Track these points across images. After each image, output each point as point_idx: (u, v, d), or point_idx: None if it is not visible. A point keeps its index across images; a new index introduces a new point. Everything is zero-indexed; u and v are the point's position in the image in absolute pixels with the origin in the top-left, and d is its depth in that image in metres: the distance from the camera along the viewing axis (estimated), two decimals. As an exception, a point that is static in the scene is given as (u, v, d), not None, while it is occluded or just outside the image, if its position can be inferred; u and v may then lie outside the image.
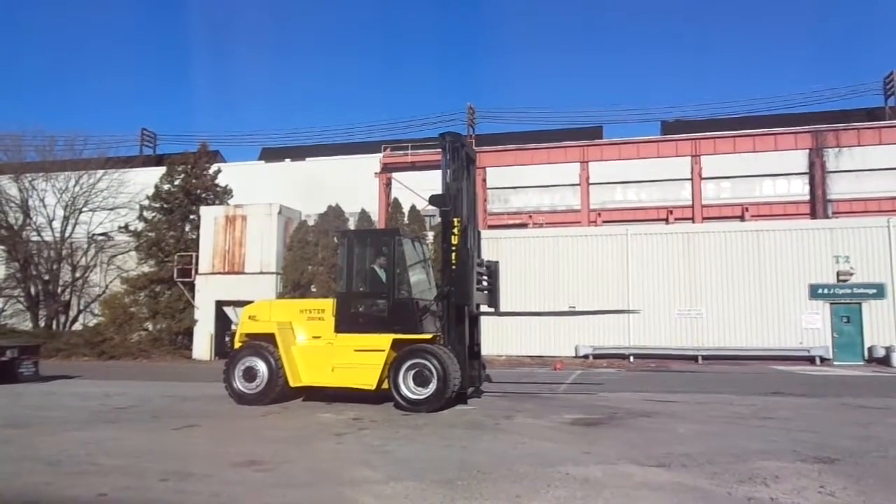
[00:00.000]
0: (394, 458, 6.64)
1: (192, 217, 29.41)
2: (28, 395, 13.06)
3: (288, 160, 39.69)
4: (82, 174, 32.24)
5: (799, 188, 30.66)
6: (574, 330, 25.06)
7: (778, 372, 19.87)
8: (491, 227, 30.03)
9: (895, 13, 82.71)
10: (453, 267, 10.62)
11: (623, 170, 31.95)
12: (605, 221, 30.95)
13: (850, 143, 29.92)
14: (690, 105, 79.92)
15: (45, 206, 32.13)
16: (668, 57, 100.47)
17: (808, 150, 30.36)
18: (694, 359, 23.64)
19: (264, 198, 28.79)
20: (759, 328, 23.77)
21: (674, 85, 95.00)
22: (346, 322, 10.78)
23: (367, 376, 10.41)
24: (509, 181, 33.05)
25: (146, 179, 31.16)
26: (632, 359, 24.12)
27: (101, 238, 32.83)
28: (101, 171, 32.54)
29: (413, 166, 33.35)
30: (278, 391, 10.90)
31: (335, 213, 28.58)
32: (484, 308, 11.58)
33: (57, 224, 31.79)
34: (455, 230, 10.68)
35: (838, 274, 23.36)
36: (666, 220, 30.48)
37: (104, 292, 31.48)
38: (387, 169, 34.44)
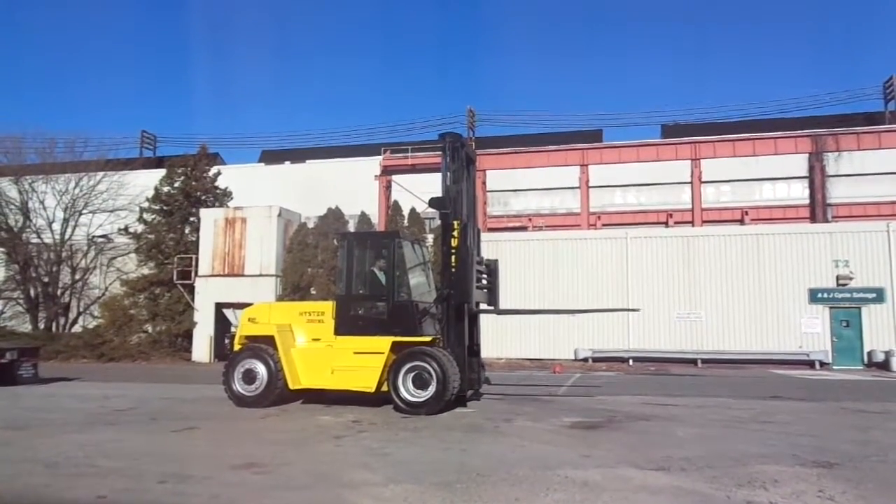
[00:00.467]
0: (393, 461, 6.64)
1: (191, 219, 29.41)
2: (27, 397, 13.05)
3: (288, 162, 39.71)
4: (82, 176, 32.22)
5: (799, 192, 30.68)
6: (573, 333, 25.07)
7: (777, 376, 19.86)
8: (491, 229, 30.04)
9: (895, 18, 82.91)
10: (453, 269, 10.63)
11: (623, 173, 31.98)
12: (604, 225, 30.95)
13: (849, 148, 29.95)
14: (690, 108, 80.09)
15: (44, 208, 32.12)
16: (669, 60, 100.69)
17: (807, 154, 30.39)
18: (693, 362, 23.64)
19: (264, 200, 28.79)
20: (759, 332, 23.77)
21: (674, 88, 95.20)
22: (346, 324, 10.78)
23: (366, 379, 10.41)
24: (509, 184, 33.06)
25: (146, 181, 31.17)
26: (631, 362, 24.11)
27: (100, 240, 32.81)
28: (100, 174, 32.52)
29: (413, 169, 33.38)
30: (277, 393, 10.90)
31: (335, 216, 28.59)
32: (484, 306, 11.60)
33: (57, 226, 31.78)
34: (455, 233, 10.69)
35: (838, 278, 23.36)
36: (666, 224, 30.49)
37: (104, 294, 31.46)
38: (387, 171, 34.47)
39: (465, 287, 10.55)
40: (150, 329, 28.52)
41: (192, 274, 27.55)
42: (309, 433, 8.48)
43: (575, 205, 32.45)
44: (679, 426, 8.95)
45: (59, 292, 31.46)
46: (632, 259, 25.27)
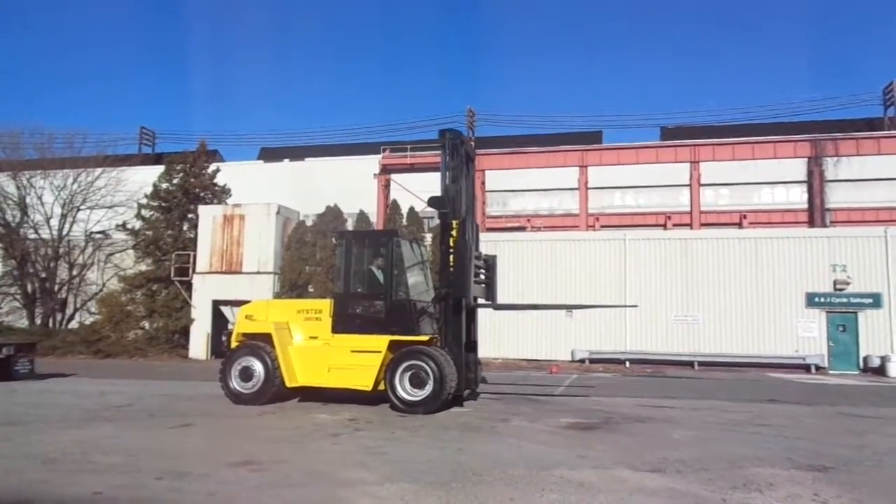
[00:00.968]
0: (389, 460, 6.65)
1: (190, 216, 29.37)
2: (24, 392, 13.04)
3: (287, 160, 39.65)
4: (80, 172, 32.15)
5: (797, 196, 30.71)
6: (570, 334, 25.11)
7: (773, 379, 19.89)
8: (489, 229, 30.04)
9: (895, 23, 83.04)
10: (451, 268, 10.64)
11: (622, 175, 31.99)
12: (603, 226, 30.96)
13: (848, 153, 29.98)
14: (690, 111, 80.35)
15: (42, 203, 32.05)
16: (669, 63, 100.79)
17: (806, 159, 30.42)
18: (690, 365, 23.66)
19: (262, 198, 28.76)
20: (756, 335, 23.80)
21: (674, 91, 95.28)
22: (344, 323, 10.79)
23: (363, 377, 10.43)
24: (508, 184, 33.06)
25: (144, 178, 31.11)
26: (628, 364, 24.14)
27: (98, 236, 32.76)
28: (99, 169, 32.45)
29: (412, 168, 33.37)
30: (274, 391, 10.91)
31: (333, 214, 28.57)
32: (482, 301, 11.62)
33: (54, 222, 31.71)
34: (453, 232, 10.70)
35: (835, 283, 23.41)
36: (664, 226, 30.50)
37: (101, 290, 31.41)
38: (386, 170, 34.46)
39: (463, 281, 10.57)
40: (147, 326, 28.49)
41: (190, 271, 27.53)
42: (305, 431, 8.48)
43: (574, 206, 32.46)
44: (675, 428, 8.97)
45: (56, 288, 31.42)
46: (630, 261, 25.30)
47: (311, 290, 26.13)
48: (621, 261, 25.36)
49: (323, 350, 10.84)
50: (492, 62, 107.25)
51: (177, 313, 27.80)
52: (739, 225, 29.66)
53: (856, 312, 23.30)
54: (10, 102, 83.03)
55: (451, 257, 10.67)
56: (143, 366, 23.37)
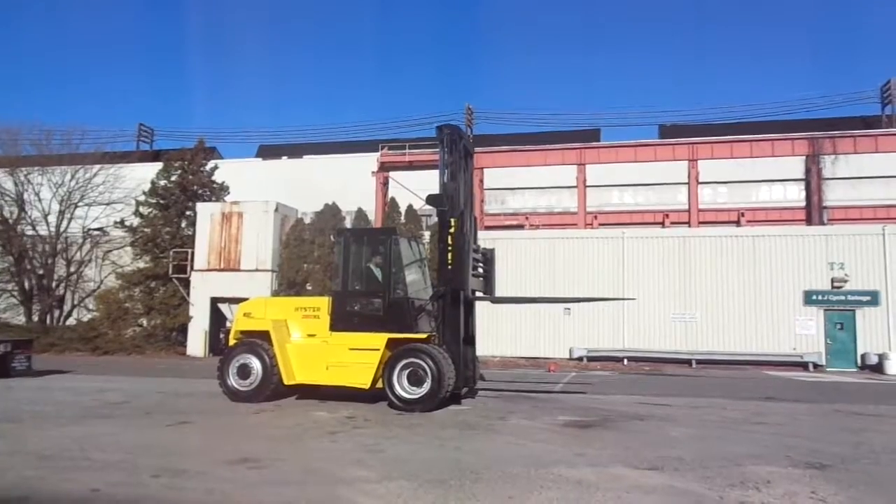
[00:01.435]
0: (387, 458, 6.65)
1: (188, 213, 29.34)
2: (20, 389, 13.02)
3: (285, 158, 39.62)
4: (78, 169, 32.08)
5: (795, 194, 30.74)
6: (568, 332, 25.12)
7: (771, 377, 19.92)
8: (487, 227, 30.02)
9: (893, 22, 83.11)
10: (449, 263, 10.62)
11: (620, 173, 31.98)
12: (601, 224, 30.96)
13: (846, 151, 30.00)
14: (688, 109, 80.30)
15: (40, 200, 31.99)
16: (667, 61, 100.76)
17: (804, 157, 30.43)
18: (688, 363, 23.69)
19: (261, 195, 28.73)
20: (753, 333, 23.83)
21: (672, 89, 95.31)
22: (342, 320, 10.79)
23: (361, 375, 10.42)
24: (506, 182, 33.04)
25: (142, 175, 31.07)
26: (626, 362, 24.16)
27: (96, 233, 32.71)
28: (97, 166, 32.38)
29: (410, 166, 33.34)
30: (272, 389, 10.90)
31: (332, 212, 28.54)
32: (480, 294, 11.62)
33: (52, 218, 31.63)
34: (452, 230, 10.69)
35: (833, 280, 23.43)
36: (662, 224, 30.52)
37: (99, 287, 31.38)
38: (384, 168, 34.43)
39: (462, 274, 10.57)
40: (144, 323, 28.47)
41: (188, 268, 27.50)
42: (303, 429, 8.48)
43: (572, 204, 32.45)
44: (673, 426, 8.98)
45: (53, 285, 31.38)
46: (628, 259, 25.31)
47: (309, 287, 26.12)
48: (619, 259, 25.37)
49: (321, 348, 10.83)
50: (490, 60, 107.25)
51: (175, 310, 27.78)
52: (737, 223, 29.68)
53: (853, 310, 23.33)
54: (9, 99, 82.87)
55: (450, 251, 10.65)
56: (141, 363, 23.34)
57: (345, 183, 32.22)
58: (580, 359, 24.49)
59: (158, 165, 31.38)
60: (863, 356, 22.97)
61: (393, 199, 30.57)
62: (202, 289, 27.04)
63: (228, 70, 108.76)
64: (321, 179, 32.70)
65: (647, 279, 24.71)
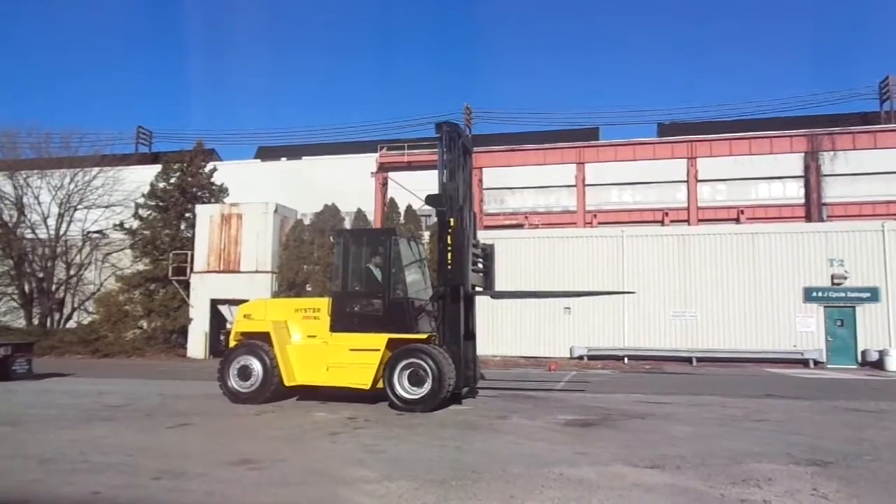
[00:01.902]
0: (388, 458, 6.64)
1: (187, 215, 29.34)
2: (21, 392, 13.01)
3: (284, 159, 39.63)
4: (77, 171, 32.09)
5: (794, 191, 30.75)
6: (569, 331, 25.13)
7: (771, 374, 19.92)
8: (487, 227, 30.01)
9: (891, 18, 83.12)
10: (449, 266, 10.62)
11: (619, 171, 31.98)
12: (600, 223, 30.96)
13: (845, 147, 30.00)
14: (687, 107, 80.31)
15: (39, 203, 31.99)
16: (666, 59, 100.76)
17: (803, 154, 30.44)
18: (688, 360, 23.69)
19: (260, 196, 28.73)
20: (754, 331, 23.84)
21: (670, 87, 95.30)
22: (342, 321, 10.78)
23: (361, 376, 10.42)
24: (505, 182, 33.05)
25: (141, 177, 31.07)
26: (626, 360, 24.16)
27: (95, 236, 32.70)
28: (96, 169, 32.38)
29: (409, 166, 33.33)
30: (273, 390, 10.90)
31: (331, 213, 28.53)
32: (480, 289, 11.62)
33: (52, 221, 31.62)
34: (451, 229, 10.68)
35: (832, 277, 23.44)
36: (661, 222, 30.53)
37: (99, 290, 31.37)
38: (383, 168, 34.42)
39: (461, 269, 10.56)
40: (145, 325, 28.47)
41: (188, 270, 27.49)
42: (304, 430, 8.48)
43: (571, 203, 32.45)
44: (673, 424, 8.97)
45: (53, 288, 31.37)
46: (628, 257, 25.31)
47: (309, 288, 26.11)
48: (619, 257, 25.37)
49: (321, 349, 10.82)
50: (489, 59, 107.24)
51: (174, 313, 27.78)
52: (737, 220, 29.68)
53: (853, 307, 23.33)
54: (7, 102, 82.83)
55: (449, 250, 10.64)
56: (141, 365, 23.34)
57: (344, 183, 32.22)
58: (581, 358, 24.50)
59: (157, 168, 31.39)
60: (863, 353, 22.98)
61: (392, 200, 30.57)
62: (202, 291, 27.03)
63: (226, 71, 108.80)
64: (320, 180, 32.70)
65: (647, 277, 24.71)
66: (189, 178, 29.75)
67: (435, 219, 12.05)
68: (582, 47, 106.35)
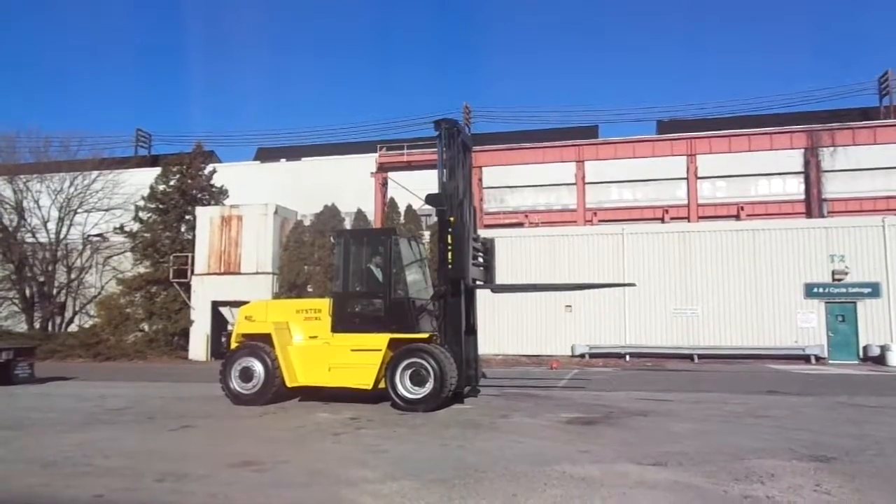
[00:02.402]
0: (391, 458, 6.64)
1: (187, 217, 29.35)
2: (23, 396, 13.01)
3: (283, 160, 39.66)
4: (77, 175, 32.11)
5: (794, 187, 30.75)
6: (570, 329, 25.13)
7: (773, 371, 19.92)
8: (487, 226, 30.03)
9: (890, 14, 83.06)
10: (450, 266, 10.61)
11: (619, 169, 31.99)
12: (601, 221, 30.98)
13: (845, 143, 29.99)
14: (686, 104, 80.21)
15: (39, 207, 32.00)
16: (664, 56, 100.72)
17: (803, 150, 30.44)
18: (689, 358, 23.68)
19: (260, 198, 28.74)
20: (755, 327, 23.84)
21: (670, 84, 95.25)
22: (343, 322, 10.77)
23: (363, 376, 10.41)
24: (505, 181, 33.07)
25: (141, 180, 31.07)
26: (628, 358, 24.16)
27: (96, 239, 32.72)
28: (95, 172, 32.41)
29: (409, 166, 33.34)
30: (275, 391, 10.89)
31: (331, 213, 28.53)
32: (480, 283, 11.62)
33: (52, 225, 31.65)
34: (451, 228, 10.68)
35: (833, 273, 23.43)
36: (662, 220, 30.52)
37: (100, 293, 31.38)
38: (383, 168, 34.43)
39: (462, 262, 10.56)
40: (146, 328, 28.47)
41: (189, 272, 27.51)
42: (306, 431, 8.47)
43: (571, 201, 32.45)
44: (676, 421, 8.97)
45: (54, 292, 31.38)
46: (628, 255, 25.31)
47: (309, 289, 26.12)
48: (619, 255, 25.37)
49: (323, 349, 10.82)
50: (488, 59, 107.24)
51: (176, 315, 27.80)
52: (737, 217, 29.68)
53: (854, 302, 23.33)
54: (6, 106, 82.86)
55: (450, 248, 10.64)
56: (143, 368, 23.34)
57: (344, 184, 32.24)
58: (582, 356, 24.50)
59: (157, 170, 31.40)
60: (864, 348, 22.98)
61: (392, 200, 30.57)
62: (203, 293, 27.05)
63: (225, 74, 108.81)
64: (320, 181, 32.72)
65: (648, 275, 24.70)
66: (189, 181, 29.76)
67: (435, 218, 12.04)
68: (581, 45, 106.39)
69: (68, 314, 31.81)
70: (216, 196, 30.32)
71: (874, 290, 23.14)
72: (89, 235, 32.55)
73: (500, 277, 12.61)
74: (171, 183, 29.69)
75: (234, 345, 11.55)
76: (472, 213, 11.41)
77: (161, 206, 29.42)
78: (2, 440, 7.89)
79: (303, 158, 38.81)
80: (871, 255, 23.32)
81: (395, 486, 5.45)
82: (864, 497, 5.06)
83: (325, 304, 11.20)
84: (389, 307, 10.61)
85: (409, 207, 29.06)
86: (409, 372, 10.09)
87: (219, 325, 26.20)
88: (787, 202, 30.44)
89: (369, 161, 34.79)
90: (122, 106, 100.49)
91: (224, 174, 31.68)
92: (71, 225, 32.13)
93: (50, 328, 30.72)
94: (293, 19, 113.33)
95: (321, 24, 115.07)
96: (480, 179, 32.09)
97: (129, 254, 30.49)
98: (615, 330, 24.95)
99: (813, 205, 29.86)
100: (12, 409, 10.98)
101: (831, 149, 30.05)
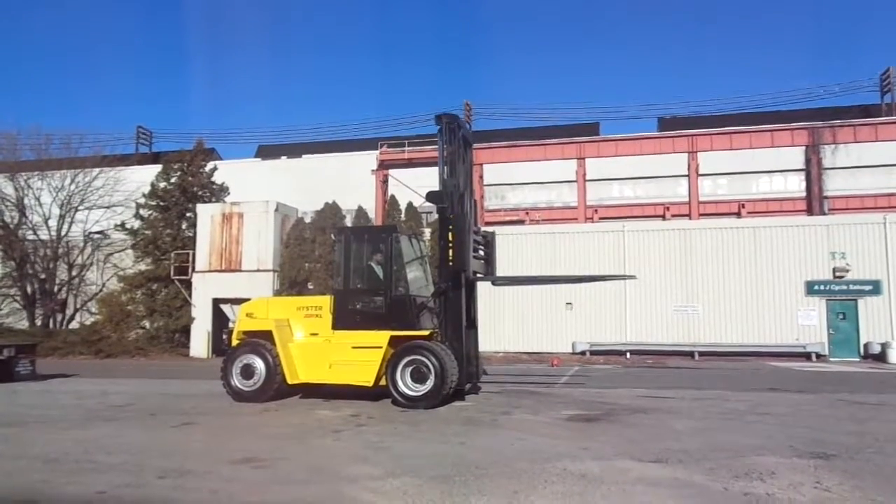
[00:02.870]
0: (391, 455, 6.65)
1: (188, 215, 29.37)
2: (25, 393, 13.04)
3: (284, 157, 39.64)
4: (78, 172, 32.14)
5: (795, 185, 30.71)
6: (571, 327, 25.14)
7: (774, 368, 19.92)
8: (487, 223, 30.01)
9: (891, 10, 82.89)
10: (450, 263, 10.62)
11: (620, 166, 31.96)
12: (601, 218, 30.95)
13: (846, 140, 29.94)
14: (687, 102, 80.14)
15: (40, 204, 32.04)
16: (666, 54, 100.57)
17: (804, 147, 30.39)
18: (690, 355, 23.69)
19: (261, 195, 28.75)
20: (756, 324, 23.83)
21: (671, 82, 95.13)
22: (344, 319, 10.78)
23: (364, 373, 10.43)
24: (506, 178, 33.03)
25: (142, 177, 31.10)
26: (628, 355, 24.17)
27: (97, 236, 32.76)
28: (96, 170, 32.44)
29: (410, 163, 33.31)
30: (276, 388, 10.91)
31: (332, 211, 28.54)
32: (481, 276, 11.64)
33: (53, 222, 31.69)
34: (452, 223, 10.69)
35: (834, 270, 23.42)
36: (663, 217, 30.49)
37: (101, 290, 31.42)
38: (383, 166, 34.41)
39: (463, 254, 10.56)
40: (147, 325, 28.52)
41: (190, 269, 27.54)
42: (308, 427, 8.49)
43: (572, 198, 32.43)
44: (676, 419, 8.98)
45: (55, 289, 31.42)
46: (629, 252, 25.30)
47: (310, 286, 26.15)
48: (620, 252, 25.36)
49: (324, 346, 10.83)
50: (488, 56, 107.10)
51: (177, 312, 27.83)
52: (738, 214, 29.65)
53: (855, 300, 23.32)
54: (7, 103, 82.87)
55: (451, 246, 10.65)
56: (145, 365, 23.38)
57: (345, 181, 32.27)
58: (583, 353, 24.52)
59: (158, 167, 31.42)
60: (865, 345, 22.98)
61: (393, 197, 30.58)
62: (204, 290, 27.08)
63: (226, 71, 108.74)
64: (321, 178, 32.76)
65: (649, 272, 24.67)
66: (190, 178, 29.78)
67: (435, 216, 12.04)
68: (582, 43, 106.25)
69: (69, 311, 31.86)
70: (217, 193, 30.33)
71: (875, 288, 23.13)
72: (90, 233, 32.59)
73: (501, 274, 12.60)
74: (172, 180, 29.72)
75: (235, 342, 11.58)
76: (473, 205, 11.42)
77: (162, 203, 29.44)
78: (3, 437, 7.91)
79: (304, 156, 38.80)
80: (871, 253, 23.30)
81: (396, 482, 5.46)
82: (864, 494, 5.07)
83: (326, 301, 11.22)
84: (390, 304, 10.63)
85: (409, 205, 29.07)
86: (409, 369, 10.10)
87: (220, 322, 26.25)
88: (788, 199, 30.41)
89: (370, 158, 34.77)
90: (124, 103, 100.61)
91: (225, 171, 31.69)
92: (72, 222, 32.18)
93: (51, 325, 30.77)
94: (294, 16, 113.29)
95: (322, 22, 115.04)
96: (481, 177, 32.07)
97: (130, 251, 30.53)
98: (616, 327, 24.96)
99: (814, 202, 29.83)
100: (14, 406, 11.00)
101: (832, 146, 30.00)
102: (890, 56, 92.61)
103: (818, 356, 22.80)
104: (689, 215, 30.48)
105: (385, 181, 33.88)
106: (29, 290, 31.32)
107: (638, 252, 25.23)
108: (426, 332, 10.54)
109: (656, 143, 32.10)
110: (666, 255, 25.03)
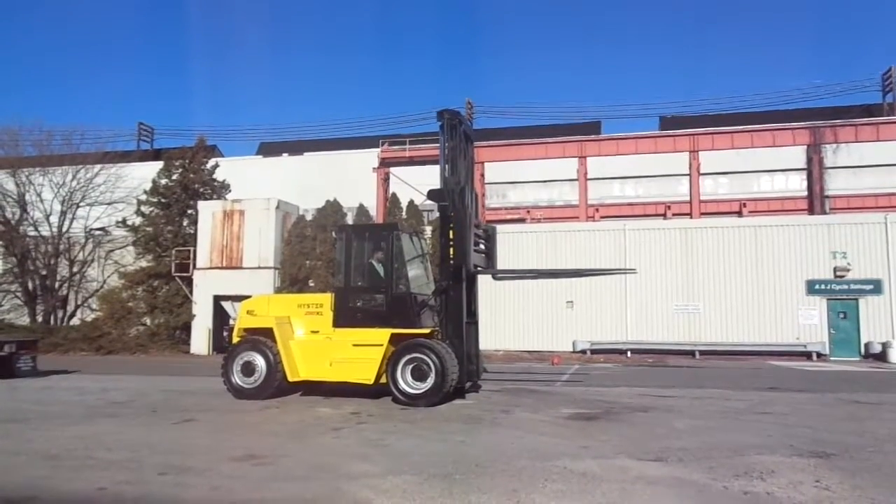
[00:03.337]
0: (392, 452, 6.66)
1: (189, 212, 29.39)
2: (26, 389, 13.05)
3: (286, 155, 39.62)
4: (79, 169, 32.15)
5: (797, 184, 30.68)
6: (571, 325, 25.15)
7: (774, 367, 19.93)
8: (489, 221, 29.99)
9: (893, 10, 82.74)
10: (451, 261, 10.63)
11: (621, 165, 31.94)
12: (602, 217, 30.94)
13: (847, 140, 29.91)
14: (689, 100, 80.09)
15: (42, 200, 32.06)
16: (667, 53, 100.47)
17: (805, 147, 30.35)
18: (691, 354, 23.70)
19: (262, 193, 28.75)
20: (757, 324, 23.83)
21: (672, 81, 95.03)
22: (345, 317, 10.79)
23: (365, 371, 10.44)
24: (507, 176, 32.99)
25: (143, 174, 31.12)
26: (629, 354, 24.17)
27: (98, 233, 32.78)
28: (98, 166, 32.44)
29: (411, 161, 33.29)
30: (276, 386, 10.92)
31: (333, 208, 28.54)
32: (481, 269, 11.65)
33: (54, 219, 31.72)
34: (452, 221, 10.69)
35: (835, 270, 23.41)
36: (664, 216, 30.46)
37: (102, 287, 31.46)
38: (385, 164, 34.40)
39: (463, 248, 10.57)
40: (148, 322, 28.55)
41: (191, 266, 27.56)
42: (308, 425, 8.50)
43: (573, 197, 32.41)
44: (677, 417, 8.98)
45: (57, 285, 31.46)
46: (630, 251, 25.30)
47: (311, 284, 26.15)
48: (621, 251, 25.36)
49: (324, 344, 10.84)
50: (490, 54, 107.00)
51: (178, 309, 27.86)
52: (739, 213, 29.63)
53: (856, 299, 23.32)
54: (9, 100, 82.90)
55: (451, 241, 10.65)
56: (145, 362, 23.41)
57: (346, 179, 32.24)
58: (583, 352, 24.53)
59: (159, 164, 31.42)
60: (866, 345, 22.98)
61: (394, 195, 30.55)
62: (205, 287, 27.10)
63: (228, 68, 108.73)
64: (322, 176, 32.74)
65: (650, 271, 24.69)
66: (191, 175, 29.80)
67: (436, 213, 12.04)
68: (583, 41, 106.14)
69: (70, 308, 31.90)
70: (218, 190, 30.34)
71: (876, 287, 23.13)
72: (91, 229, 32.61)
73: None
74: (174, 177, 29.73)
75: (235, 339, 11.59)
76: (474, 200, 11.43)
77: (163, 200, 29.46)
78: (4, 433, 7.93)
79: (305, 153, 38.78)
80: (872, 252, 23.29)
81: (397, 480, 5.47)
82: (864, 493, 5.08)
83: (326, 298, 11.23)
84: (391, 302, 10.63)
85: (410, 203, 29.06)
86: (410, 367, 10.11)
87: (221, 319, 26.27)
88: (789, 199, 30.38)
89: (371, 156, 34.74)
90: (125, 100, 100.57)
91: (226, 169, 31.69)
92: (73, 218, 32.19)
93: (52, 322, 30.80)
94: (296, 14, 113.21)
95: (324, 19, 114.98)
96: (482, 175, 32.05)
97: (131, 248, 30.56)
98: (616, 326, 24.97)
99: (815, 201, 29.79)
100: (15, 402, 11.02)
101: (834, 145, 29.97)
102: (892, 55, 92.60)
103: (819, 355, 22.81)
104: (690, 214, 30.44)
105: (386, 179, 33.87)
106: (30, 286, 31.35)
107: (639, 251, 25.23)
108: (427, 331, 10.56)
109: (658, 142, 32.06)
110: (667, 254, 25.03)
